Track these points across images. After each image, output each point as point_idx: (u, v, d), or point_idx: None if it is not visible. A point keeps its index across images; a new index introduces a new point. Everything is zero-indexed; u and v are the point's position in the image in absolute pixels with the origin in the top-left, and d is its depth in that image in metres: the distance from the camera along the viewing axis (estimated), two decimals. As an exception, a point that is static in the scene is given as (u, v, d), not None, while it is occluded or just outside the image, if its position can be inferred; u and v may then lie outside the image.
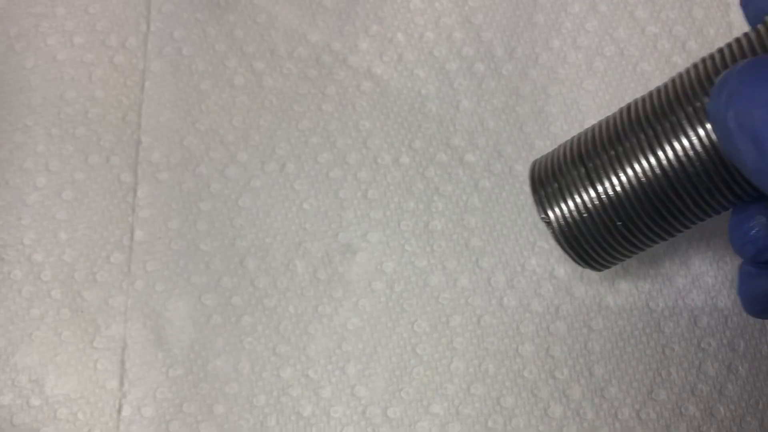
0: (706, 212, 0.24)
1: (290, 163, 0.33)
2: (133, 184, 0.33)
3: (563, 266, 0.32)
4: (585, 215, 0.25)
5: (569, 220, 0.25)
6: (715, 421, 0.31)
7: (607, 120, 0.25)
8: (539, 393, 0.31)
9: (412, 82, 0.34)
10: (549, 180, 0.26)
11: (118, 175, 0.33)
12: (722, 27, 0.34)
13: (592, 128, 0.26)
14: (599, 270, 0.27)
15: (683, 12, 0.34)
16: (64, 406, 0.31)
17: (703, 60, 0.23)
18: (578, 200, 0.25)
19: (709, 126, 0.21)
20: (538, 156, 0.28)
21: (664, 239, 0.25)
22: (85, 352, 0.31)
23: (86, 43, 0.35)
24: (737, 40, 0.22)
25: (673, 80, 0.23)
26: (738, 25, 0.34)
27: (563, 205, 0.25)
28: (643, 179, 0.23)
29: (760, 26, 0.21)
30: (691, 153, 0.22)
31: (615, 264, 0.27)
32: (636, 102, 0.24)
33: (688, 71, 0.23)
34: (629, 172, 0.24)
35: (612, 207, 0.24)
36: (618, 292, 0.32)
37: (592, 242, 0.26)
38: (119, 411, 0.31)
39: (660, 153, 0.23)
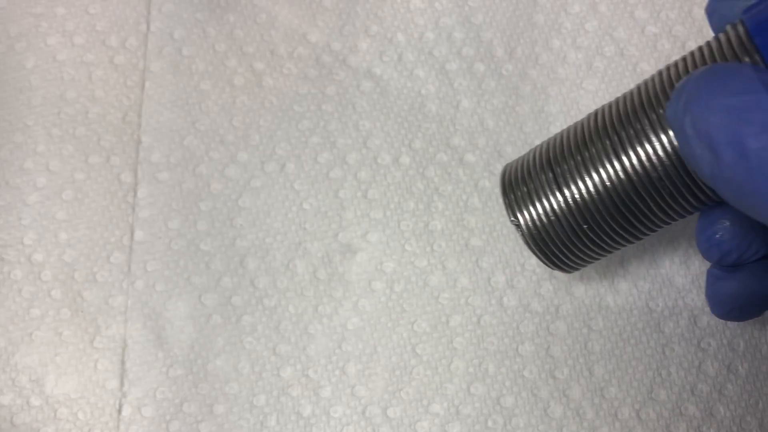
0: (670, 216, 0.24)
1: (290, 163, 0.33)
2: (133, 184, 0.33)
3: (563, 266, 0.32)
4: (553, 218, 0.26)
5: (537, 223, 0.26)
6: (715, 421, 0.31)
7: (575, 126, 0.26)
8: (539, 393, 0.31)
9: (412, 82, 0.34)
10: (518, 184, 0.26)
11: (118, 175, 0.33)
12: (722, 27, 0.34)
13: (561, 134, 0.26)
14: (568, 272, 0.28)
15: (683, 12, 0.34)
16: (64, 406, 0.31)
17: (668, 67, 0.23)
18: (546, 204, 0.26)
19: (671, 133, 0.22)
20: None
21: (630, 242, 0.26)
22: (85, 352, 0.31)
23: (86, 43, 0.35)
24: (700, 48, 0.22)
25: (638, 87, 0.24)
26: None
27: (532, 209, 0.26)
28: (608, 184, 0.24)
29: (721, 35, 0.22)
30: (654, 159, 0.22)
31: (583, 266, 0.28)
32: (602, 108, 0.25)
33: (653, 78, 0.23)
34: (595, 176, 0.24)
35: (578, 210, 0.25)
36: (618, 292, 0.32)
37: (559, 244, 0.26)
38: (119, 411, 0.31)
39: (624, 158, 0.23)
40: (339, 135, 0.33)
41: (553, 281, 0.32)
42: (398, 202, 0.33)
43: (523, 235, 0.26)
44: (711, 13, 0.23)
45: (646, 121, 0.23)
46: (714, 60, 0.21)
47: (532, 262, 0.32)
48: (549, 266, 0.27)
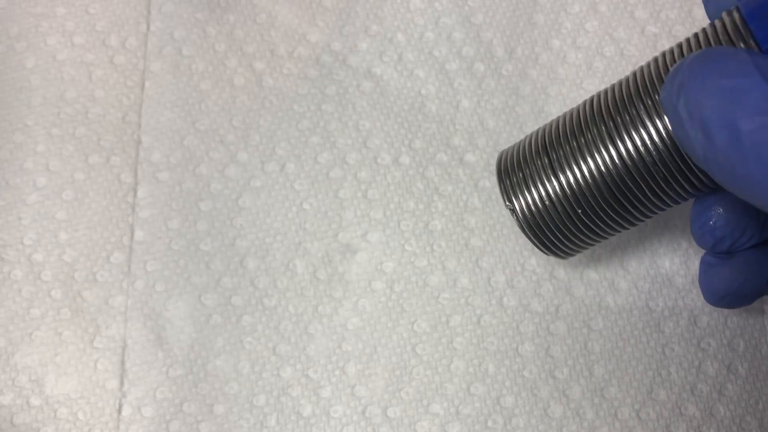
0: (665, 202, 0.24)
1: (290, 163, 0.33)
2: (133, 184, 0.33)
3: (563, 266, 0.32)
4: (548, 203, 0.26)
5: (533, 208, 0.26)
6: (715, 421, 0.31)
7: (570, 112, 0.26)
8: (539, 393, 0.31)
9: (412, 82, 0.34)
10: (514, 170, 0.27)
11: (118, 175, 0.33)
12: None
13: (556, 120, 0.26)
14: (563, 258, 0.28)
15: (683, 12, 0.34)
16: (64, 406, 0.31)
17: (663, 54, 0.23)
18: (541, 189, 0.26)
19: (666, 118, 0.22)
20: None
21: (625, 228, 0.26)
22: (85, 352, 0.31)
23: (86, 43, 0.35)
24: (695, 34, 0.23)
25: (634, 73, 0.24)
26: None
27: (527, 194, 0.26)
28: (603, 169, 0.24)
29: (717, 21, 0.22)
30: (649, 144, 0.23)
31: (578, 252, 0.28)
32: (598, 94, 0.25)
33: (648, 65, 0.24)
34: (590, 162, 0.24)
35: (573, 196, 0.25)
36: (618, 292, 0.32)
37: (554, 230, 0.26)
38: (119, 411, 0.31)
39: (619, 144, 0.23)
40: (339, 135, 0.33)
41: (553, 281, 0.32)
42: (398, 202, 0.33)
43: (518, 220, 0.27)
44: (707, 1, 0.24)
45: (641, 107, 0.23)
46: (709, 45, 0.22)
47: (532, 262, 0.32)
48: (544, 252, 0.28)
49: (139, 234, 0.33)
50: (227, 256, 0.32)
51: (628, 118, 0.23)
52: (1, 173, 0.33)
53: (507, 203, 0.27)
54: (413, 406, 0.31)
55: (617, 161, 0.24)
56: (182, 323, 0.32)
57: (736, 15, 0.21)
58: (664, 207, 0.25)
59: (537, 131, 0.27)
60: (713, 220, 0.25)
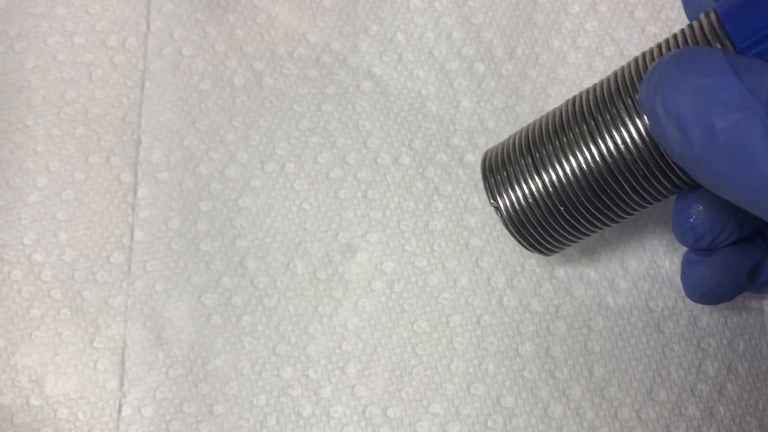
0: (645, 199, 0.25)
1: (290, 163, 0.33)
2: (133, 184, 0.33)
3: (563, 266, 0.32)
4: (531, 201, 0.26)
5: (516, 206, 0.27)
6: (715, 421, 0.31)
7: (553, 112, 0.26)
8: (539, 393, 0.31)
9: (412, 82, 0.34)
10: (498, 169, 0.27)
11: (118, 175, 0.33)
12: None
13: (540, 120, 0.27)
14: (547, 254, 0.29)
15: (683, 12, 0.34)
16: (64, 406, 0.31)
17: (643, 54, 0.24)
18: (525, 188, 0.26)
19: (645, 118, 0.22)
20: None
21: (607, 225, 0.27)
22: (85, 352, 0.31)
23: (86, 43, 0.35)
24: (674, 35, 0.23)
25: (615, 73, 0.24)
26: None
27: (511, 193, 0.27)
28: (585, 167, 0.25)
29: (695, 22, 0.22)
30: (629, 142, 0.23)
31: (561, 249, 0.28)
32: (580, 94, 0.25)
33: (629, 65, 0.24)
34: (572, 160, 0.25)
35: (556, 194, 0.26)
36: (618, 292, 0.32)
37: (538, 227, 0.27)
38: (119, 411, 0.31)
39: (600, 142, 0.24)
40: (339, 135, 0.33)
41: (553, 281, 0.32)
42: (398, 202, 0.33)
43: (502, 217, 0.27)
44: (687, 2, 0.24)
45: (621, 106, 0.23)
46: (687, 45, 0.22)
47: (532, 262, 0.32)
48: (528, 249, 0.28)
49: (139, 234, 0.33)
50: (227, 256, 0.32)
51: (609, 117, 0.24)
52: (1, 173, 0.33)
53: (491, 201, 0.27)
54: (413, 406, 0.31)
55: (598, 159, 0.24)
56: (182, 323, 0.32)
57: (713, 16, 0.21)
58: (645, 204, 0.25)
59: (521, 131, 0.27)
60: (693, 217, 0.26)
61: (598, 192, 0.25)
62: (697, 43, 0.22)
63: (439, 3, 0.35)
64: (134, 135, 0.34)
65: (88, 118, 0.34)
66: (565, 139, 0.25)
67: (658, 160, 0.23)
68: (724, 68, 0.19)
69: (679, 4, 0.34)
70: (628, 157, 0.23)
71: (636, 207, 0.25)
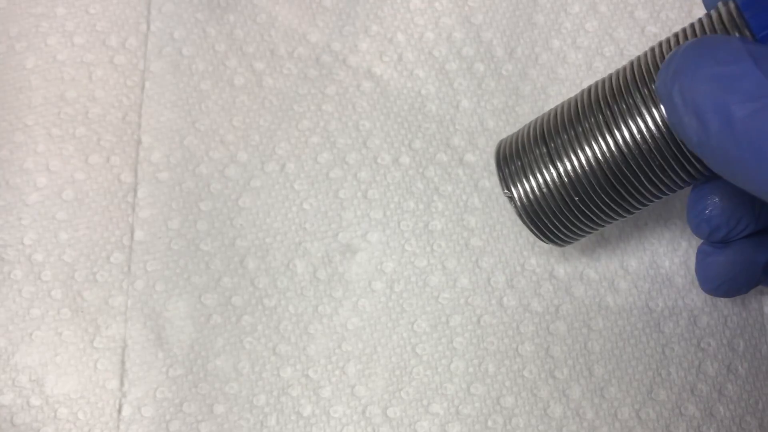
0: (661, 190, 0.25)
1: (290, 163, 0.33)
2: (133, 184, 0.33)
3: (563, 266, 0.32)
4: (545, 191, 0.26)
5: (531, 196, 0.26)
6: (715, 421, 0.31)
7: (568, 101, 0.26)
8: (539, 393, 0.31)
9: (412, 82, 0.34)
10: (513, 158, 0.27)
11: (118, 175, 0.33)
12: (722, 27, 0.34)
13: (555, 109, 0.27)
14: (561, 245, 0.28)
15: (683, 12, 0.34)
16: (64, 406, 0.31)
17: (660, 43, 0.24)
18: (540, 178, 0.26)
19: (662, 107, 0.22)
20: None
21: (622, 216, 0.26)
22: (85, 352, 0.31)
23: (86, 43, 0.35)
24: (692, 24, 0.23)
25: (631, 62, 0.24)
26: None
27: (525, 182, 0.26)
28: (601, 157, 0.24)
29: (713, 11, 0.22)
30: (645, 132, 0.23)
31: (575, 240, 0.28)
32: (596, 84, 0.25)
33: (645, 54, 0.24)
34: (588, 150, 0.25)
35: (571, 184, 0.25)
36: (618, 292, 0.32)
37: (552, 218, 0.27)
38: (119, 411, 0.31)
39: (616, 132, 0.24)
40: (339, 135, 0.33)
41: (553, 281, 0.32)
42: (398, 202, 0.33)
43: (516, 208, 0.27)
44: None
45: (638, 96, 0.23)
46: (705, 34, 0.22)
47: (532, 262, 0.32)
48: (541, 239, 0.28)
49: (139, 234, 0.33)
50: (227, 256, 0.32)
51: (625, 107, 0.23)
52: (1, 173, 0.33)
53: (505, 191, 0.27)
54: (413, 406, 0.31)
55: (614, 150, 0.24)
56: (182, 323, 0.32)
57: (731, 4, 0.21)
58: (661, 195, 0.25)
59: (536, 120, 0.27)
60: (709, 209, 0.26)
61: (614, 182, 0.25)
62: (716, 32, 0.21)
63: (439, 3, 0.35)
64: (134, 135, 0.34)
65: (88, 118, 0.34)
66: (580, 128, 0.25)
67: (675, 150, 0.23)
68: (743, 57, 0.19)
69: (679, 4, 0.34)
70: (644, 147, 0.23)
71: (651, 198, 0.25)
